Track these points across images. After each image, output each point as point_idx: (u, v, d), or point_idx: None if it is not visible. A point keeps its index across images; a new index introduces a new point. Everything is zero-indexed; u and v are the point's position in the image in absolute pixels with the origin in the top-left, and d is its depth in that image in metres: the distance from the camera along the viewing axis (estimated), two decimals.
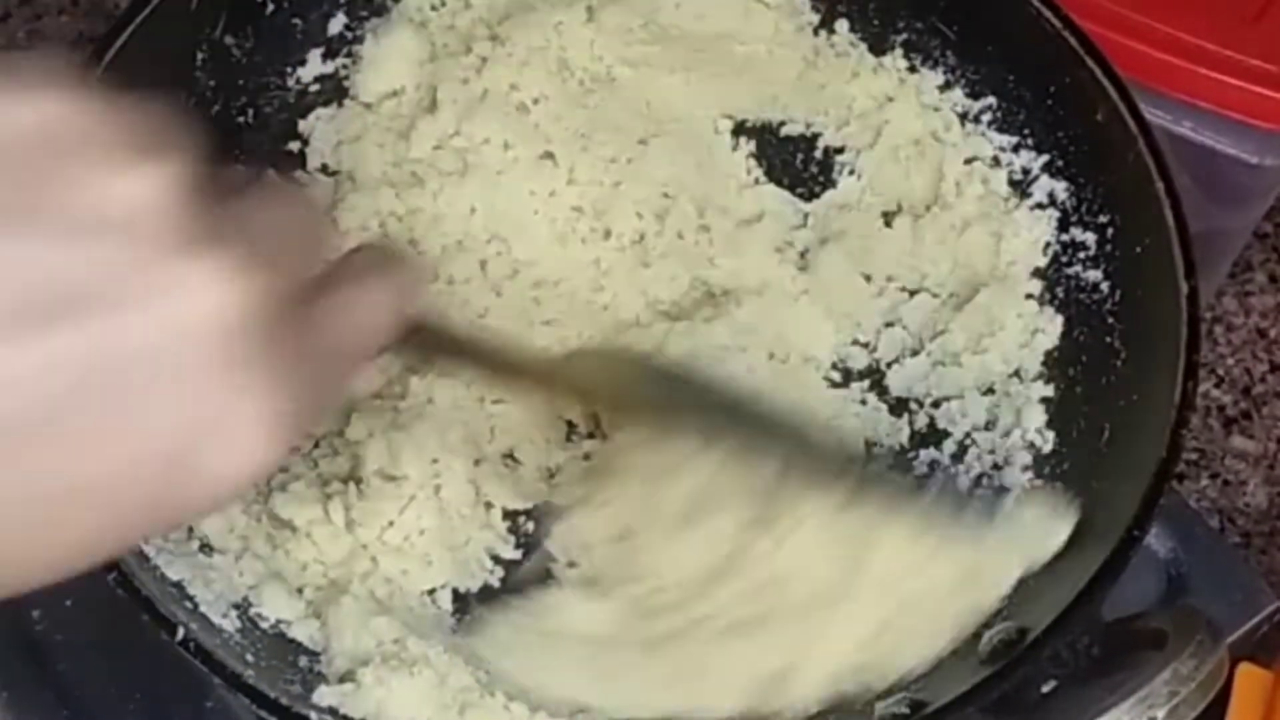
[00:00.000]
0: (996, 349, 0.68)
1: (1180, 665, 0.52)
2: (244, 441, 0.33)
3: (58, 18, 0.96)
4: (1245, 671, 0.65)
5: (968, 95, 0.73)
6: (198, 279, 0.32)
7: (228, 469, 0.33)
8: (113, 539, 0.34)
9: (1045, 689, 0.56)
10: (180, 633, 0.54)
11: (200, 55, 0.69)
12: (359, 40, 0.74)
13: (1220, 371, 0.87)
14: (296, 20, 0.73)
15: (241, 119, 0.72)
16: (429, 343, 0.52)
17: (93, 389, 0.31)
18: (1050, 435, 0.66)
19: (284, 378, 0.34)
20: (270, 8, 0.72)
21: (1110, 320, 0.67)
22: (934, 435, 0.67)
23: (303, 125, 0.73)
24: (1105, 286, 0.68)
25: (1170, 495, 0.71)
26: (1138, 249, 0.66)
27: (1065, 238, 0.70)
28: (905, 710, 0.56)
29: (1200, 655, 0.53)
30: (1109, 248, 0.68)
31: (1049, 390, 0.67)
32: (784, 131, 0.74)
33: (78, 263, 0.31)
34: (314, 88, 0.74)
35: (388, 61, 0.73)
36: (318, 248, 0.38)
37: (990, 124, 0.73)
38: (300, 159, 0.72)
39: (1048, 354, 0.68)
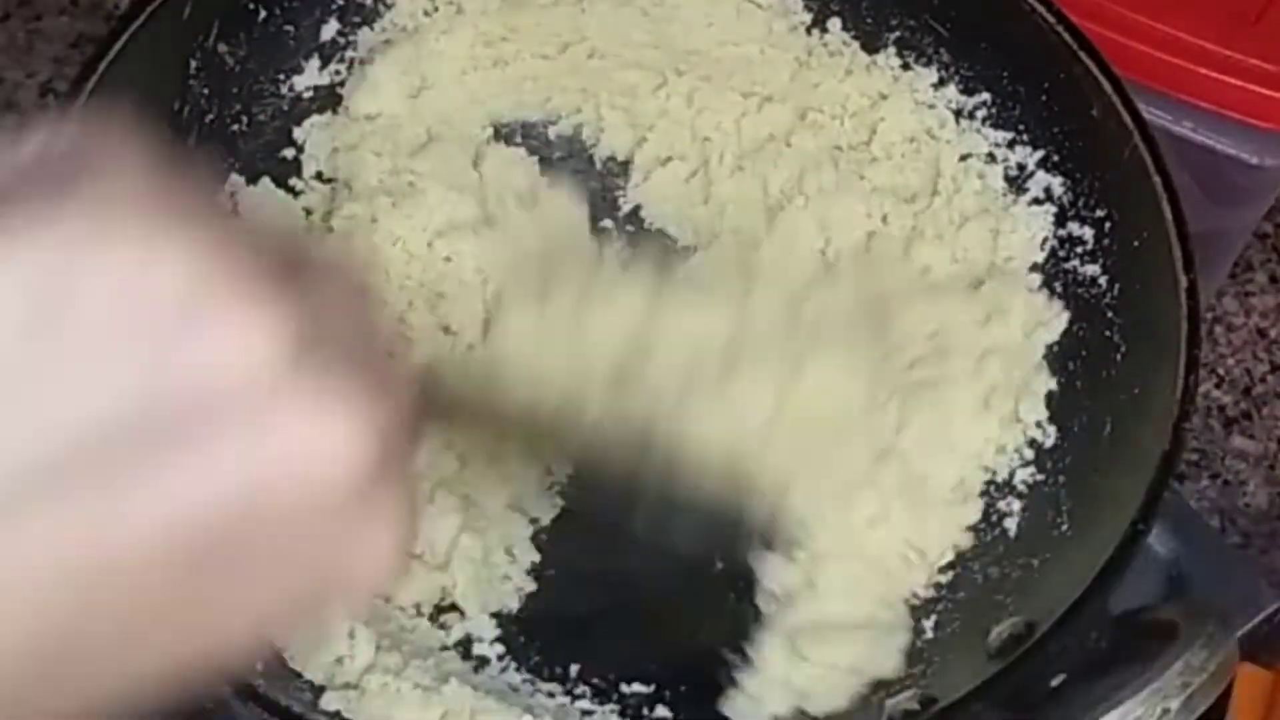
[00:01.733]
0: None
1: (1192, 656, 0.52)
2: (381, 556, 0.33)
3: (58, 18, 0.96)
4: (1246, 672, 0.65)
5: (962, 92, 0.73)
6: (321, 428, 0.30)
7: (372, 576, 0.34)
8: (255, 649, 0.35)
9: (1054, 683, 0.56)
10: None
11: (194, 63, 0.69)
12: (352, 46, 0.75)
13: (1221, 372, 0.86)
14: (289, 27, 0.73)
15: (236, 127, 0.71)
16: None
17: (239, 540, 0.30)
18: (1052, 430, 0.66)
19: (404, 497, 0.34)
20: (263, 15, 0.72)
21: (1110, 314, 0.67)
22: None
23: (298, 133, 0.73)
24: (1104, 281, 0.68)
25: (1171, 496, 0.72)
26: (1136, 243, 0.66)
27: (1063, 233, 0.70)
28: (916, 706, 0.56)
29: (1212, 646, 0.52)
30: (1107, 242, 0.68)
31: (1050, 384, 0.67)
32: None
33: (198, 420, 0.29)
34: (308, 95, 0.74)
35: (380, 91, 0.73)
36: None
37: (985, 120, 0.73)
38: (295, 166, 0.72)
39: (1048, 348, 0.68)
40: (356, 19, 0.75)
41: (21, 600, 0.28)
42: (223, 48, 0.70)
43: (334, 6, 0.74)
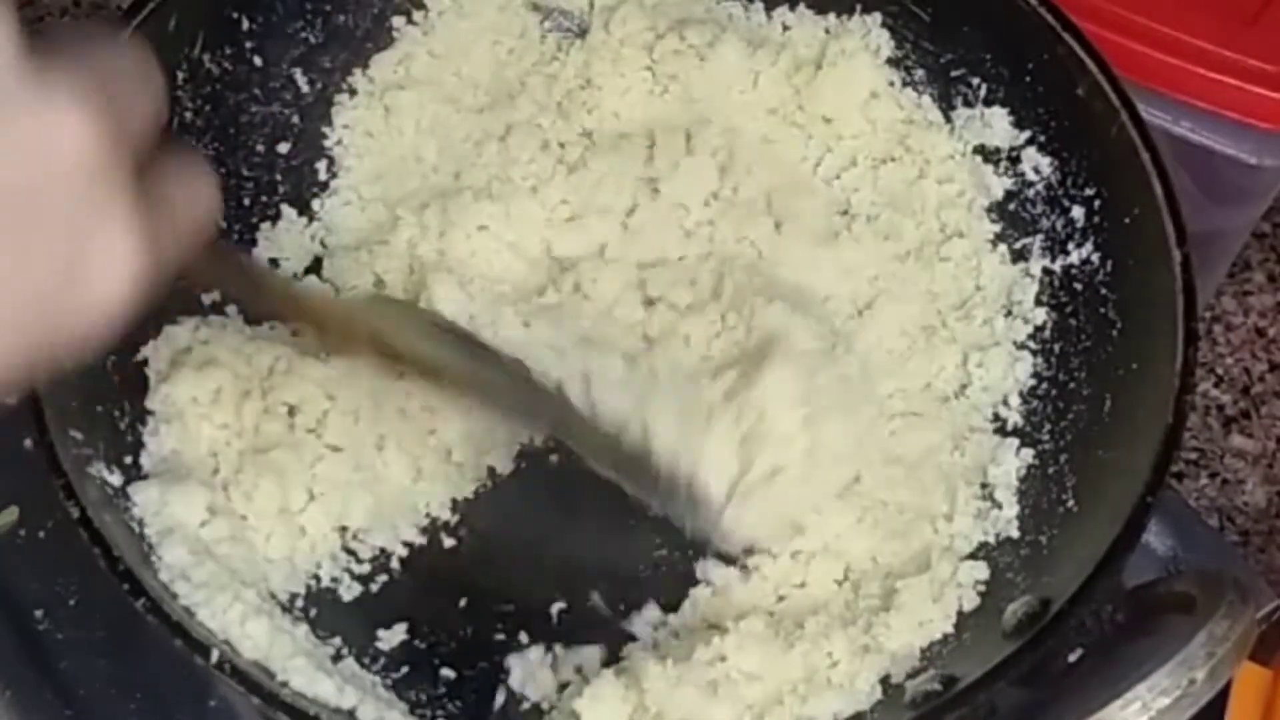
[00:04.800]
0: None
1: (1215, 626, 0.52)
2: (116, 265, 0.38)
3: (60, 19, 0.96)
4: (1245, 670, 0.65)
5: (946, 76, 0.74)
6: (58, 121, 0.35)
7: (107, 289, 0.38)
8: (16, 364, 0.37)
9: (1072, 658, 0.56)
10: (214, 655, 0.54)
11: (180, 75, 0.69)
12: (336, 58, 0.76)
13: (1219, 371, 0.87)
14: (274, 39, 0.74)
15: (221, 140, 0.72)
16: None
17: None
18: (1052, 408, 0.67)
19: (139, 218, 0.38)
20: (247, 25, 0.72)
21: (1104, 291, 0.67)
22: None
23: (283, 147, 0.74)
24: (1096, 258, 0.68)
25: (1169, 494, 0.72)
26: (1127, 220, 0.66)
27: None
28: (937, 687, 0.57)
29: (1233, 615, 0.53)
30: (1098, 220, 0.69)
31: (1046, 362, 0.68)
32: None
33: None
34: (294, 108, 0.75)
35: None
36: (157, 96, 0.41)
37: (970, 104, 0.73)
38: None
39: (1039, 327, 0.69)
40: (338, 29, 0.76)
41: None
42: (208, 58, 0.70)
43: (317, 17, 0.75)
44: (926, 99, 0.74)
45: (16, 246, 0.35)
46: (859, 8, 0.75)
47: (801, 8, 0.76)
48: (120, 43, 0.40)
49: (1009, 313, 0.70)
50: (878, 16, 0.74)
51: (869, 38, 0.74)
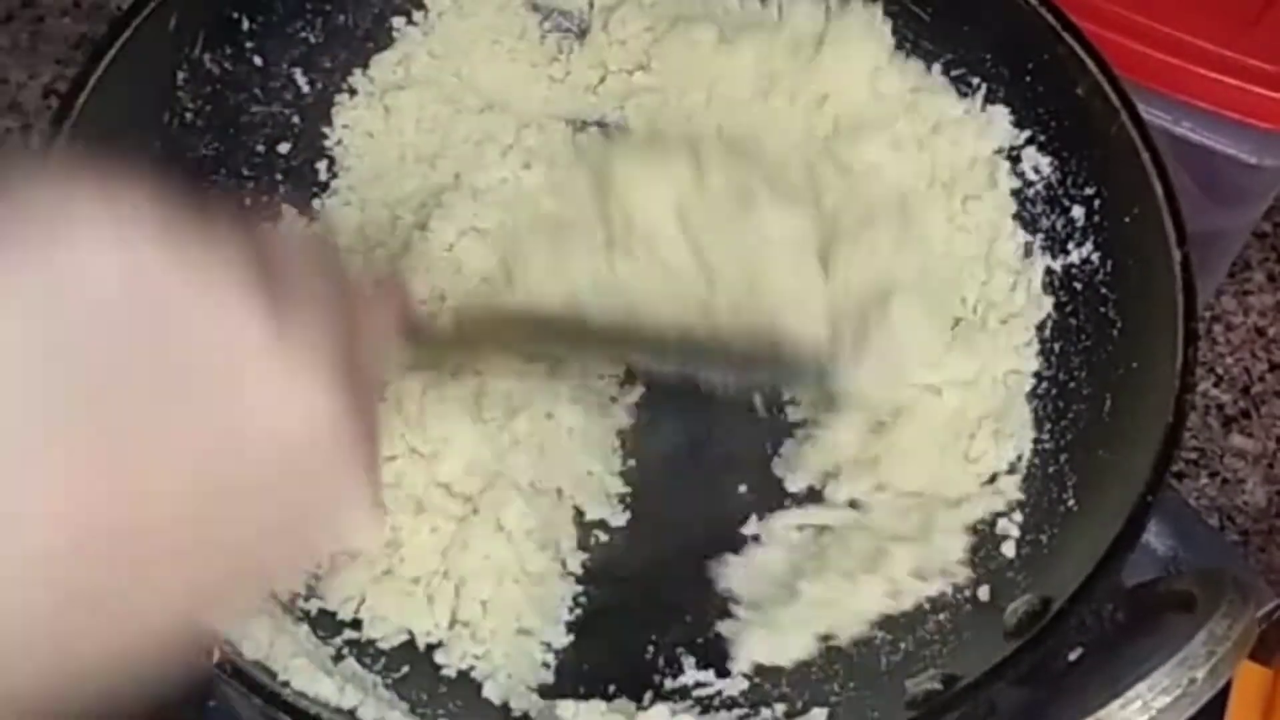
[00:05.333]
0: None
1: (1215, 625, 0.52)
2: (351, 524, 0.39)
3: (60, 19, 0.96)
4: (1244, 669, 0.65)
5: (946, 76, 0.74)
6: (298, 383, 0.36)
7: (333, 543, 0.40)
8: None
9: (1072, 657, 0.56)
10: (215, 655, 0.54)
11: (180, 75, 0.69)
12: (336, 58, 0.75)
13: (1219, 370, 0.87)
14: (275, 39, 0.74)
15: (221, 140, 0.72)
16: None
17: (208, 490, 0.35)
18: (1052, 407, 0.67)
19: (370, 486, 0.39)
20: (247, 26, 0.72)
21: (1104, 291, 0.67)
22: None
23: (283, 147, 0.74)
24: (1096, 258, 0.68)
25: (1169, 494, 0.72)
26: (1126, 219, 0.66)
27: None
28: (938, 686, 0.57)
29: (1233, 614, 0.53)
30: (1098, 219, 0.69)
31: (1046, 361, 0.68)
32: None
33: (174, 386, 0.35)
34: (294, 108, 0.75)
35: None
36: (399, 334, 0.44)
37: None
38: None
39: (1040, 325, 0.69)
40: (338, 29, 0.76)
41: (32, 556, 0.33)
42: (208, 58, 0.70)
43: (317, 17, 0.75)
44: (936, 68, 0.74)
45: (247, 519, 0.37)
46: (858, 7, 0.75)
47: None
48: (382, 290, 0.44)
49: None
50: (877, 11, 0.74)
51: (871, 22, 0.74)
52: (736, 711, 0.61)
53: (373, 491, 0.39)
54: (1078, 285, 0.69)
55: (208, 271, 0.35)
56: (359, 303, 0.44)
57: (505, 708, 0.62)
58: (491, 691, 0.62)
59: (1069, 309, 0.69)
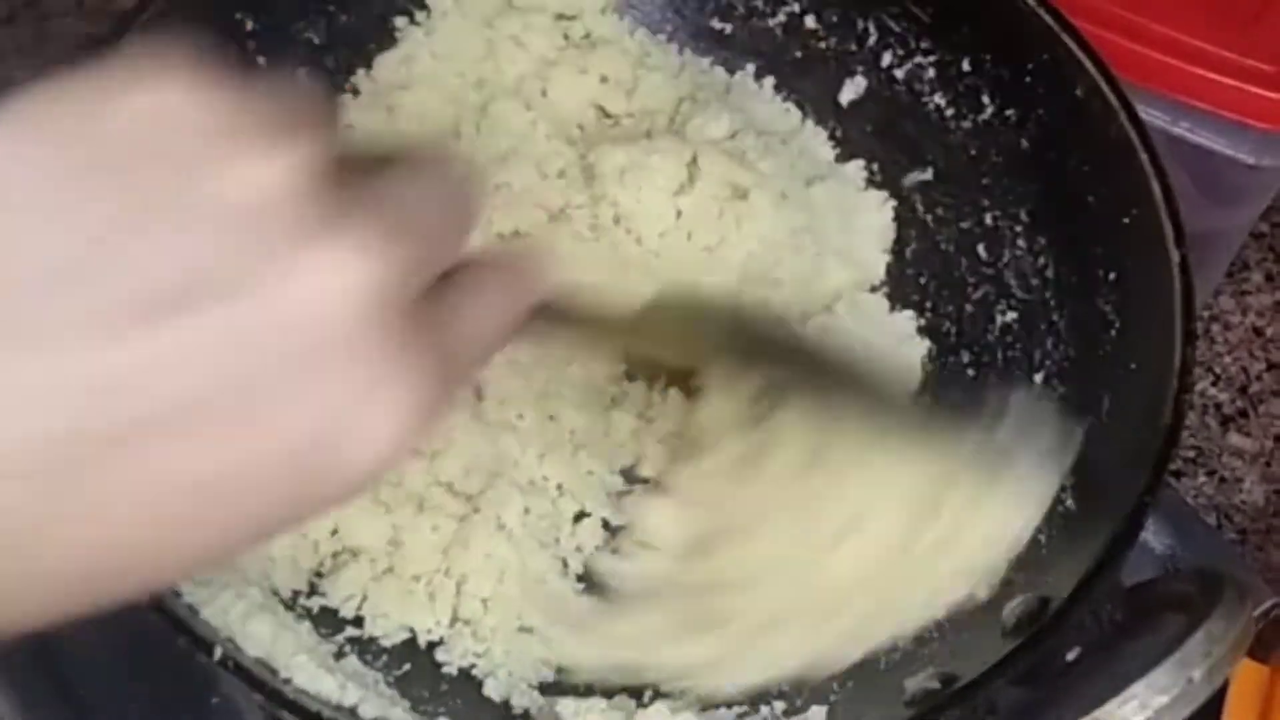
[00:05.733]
0: None
1: (1212, 625, 0.52)
2: (379, 430, 0.32)
3: (63, 20, 0.96)
4: (1242, 668, 0.65)
5: (943, 77, 0.74)
6: (329, 260, 0.31)
7: (363, 458, 0.32)
8: (247, 535, 0.33)
9: (1070, 656, 0.57)
10: (217, 652, 0.54)
11: None
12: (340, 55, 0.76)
13: (1217, 370, 0.87)
14: (278, 40, 0.73)
15: None
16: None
17: (224, 380, 0.30)
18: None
19: (414, 368, 0.33)
20: (250, 26, 0.72)
21: (1102, 290, 0.67)
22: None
23: None
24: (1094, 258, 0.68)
25: (1168, 492, 0.72)
26: (1125, 220, 0.66)
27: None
28: (936, 685, 0.57)
29: (1230, 614, 0.53)
30: (1095, 220, 0.68)
31: (1044, 361, 0.69)
32: None
33: (204, 251, 0.30)
34: None
35: None
36: (463, 227, 0.36)
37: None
38: None
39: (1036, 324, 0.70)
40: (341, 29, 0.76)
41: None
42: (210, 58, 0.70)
43: (320, 18, 0.75)
44: None
45: (260, 400, 0.31)
46: (856, 10, 0.75)
47: None
48: (443, 167, 0.36)
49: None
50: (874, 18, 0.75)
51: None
52: (735, 709, 0.61)
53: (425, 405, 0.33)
54: (1076, 284, 0.69)
55: (252, 119, 0.31)
56: (486, 262, 0.38)
57: (506, 705, 0.62)
58: (492, 689, 0.63)
59: (1067, 309, 0.69)
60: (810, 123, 0.78)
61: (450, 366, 0.35)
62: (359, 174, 0.33)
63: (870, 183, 0.76)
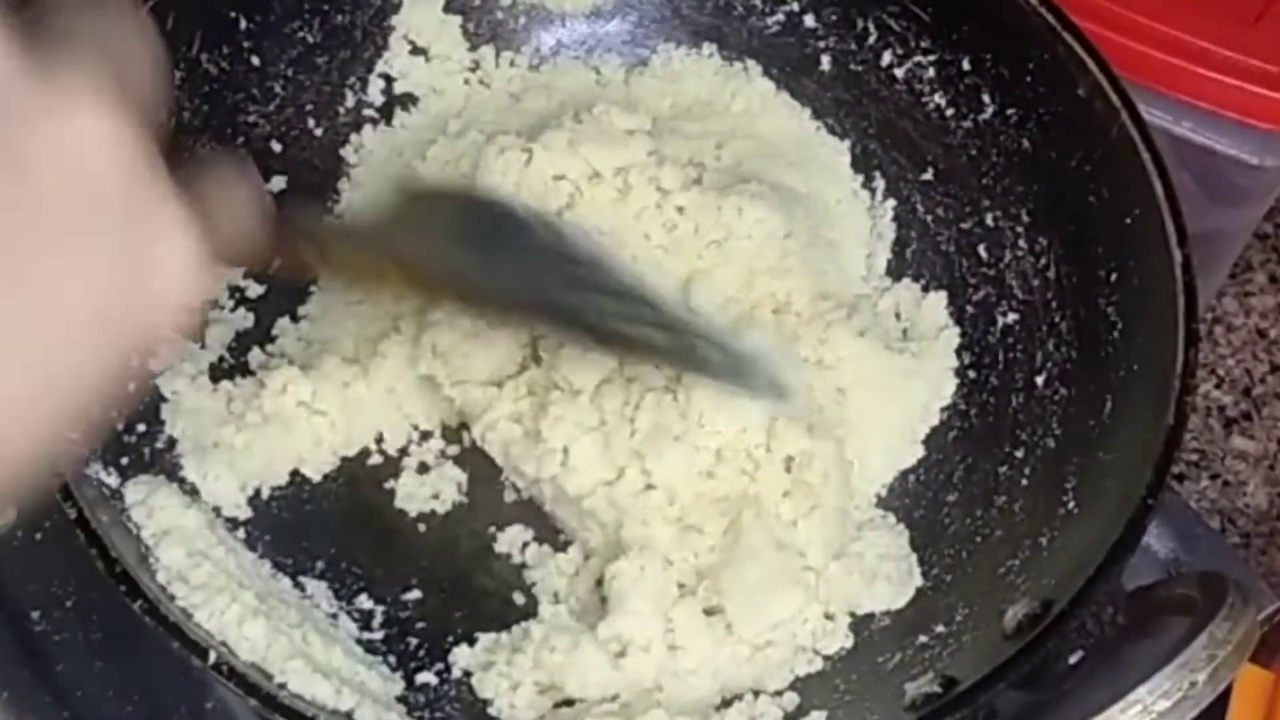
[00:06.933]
0: None
1: (1215, 629, 0.53)
2: (176, 255, 0.37)
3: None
4: (1246, 672, 0.65)
5: (945, 75, 0.74)
6: (81, 124, 0.34)
7: (171, 281, 0.37)
8: (98, 369, 0.36)
9: (1072, 660, 0.56)
10: (212, 657, 0.54)
11: (177, 74, 0.69)
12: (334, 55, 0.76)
13: (1220, 372, 0.87)
14: (272, 39, 0.73)
15: (219, 139, 0.71)
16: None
17: (18, 236, 0.33)
18: (1050, 408, 0.67)
19: (184, 205, 0.37)
20: (244, 25, 0.72)
21: (1104, 292, 0.67)
22: None
23: (277, 146, 0.74)
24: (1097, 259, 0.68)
25: (1170, 496, 0.72)
26: (1127, 220, 0.66)
27: None
28: (937, 689, 0.57)
29: (1234, 618, 0.53)
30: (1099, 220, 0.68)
31: (1045, 362, 0.69)
32: None
33: None
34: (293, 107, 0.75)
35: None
36: (163, 66, 0.40)
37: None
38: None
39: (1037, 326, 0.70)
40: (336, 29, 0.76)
41: None
42: (205, 58, 0.70)
43: (315, 17, 0.75)
44: None
45: (73, 256, 0.34)
46: (856, 9, 0.75)
47: None
48: (122, 12, 0.39)
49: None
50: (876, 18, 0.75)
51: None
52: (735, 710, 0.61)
53: (190, 215, 0.37)
54: (1078, 285, 0.69)
55: None
56: (223, 173, 0.43)
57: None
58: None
59: (1069, 310, 0.69)
60: (810, 122, 0.77)
61: (217, 230, 0.39)
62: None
63: (870, 183, 0.76)
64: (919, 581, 0.65)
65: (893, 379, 0.69)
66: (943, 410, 0.70)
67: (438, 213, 0.57)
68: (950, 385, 0.71)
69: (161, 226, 0.36)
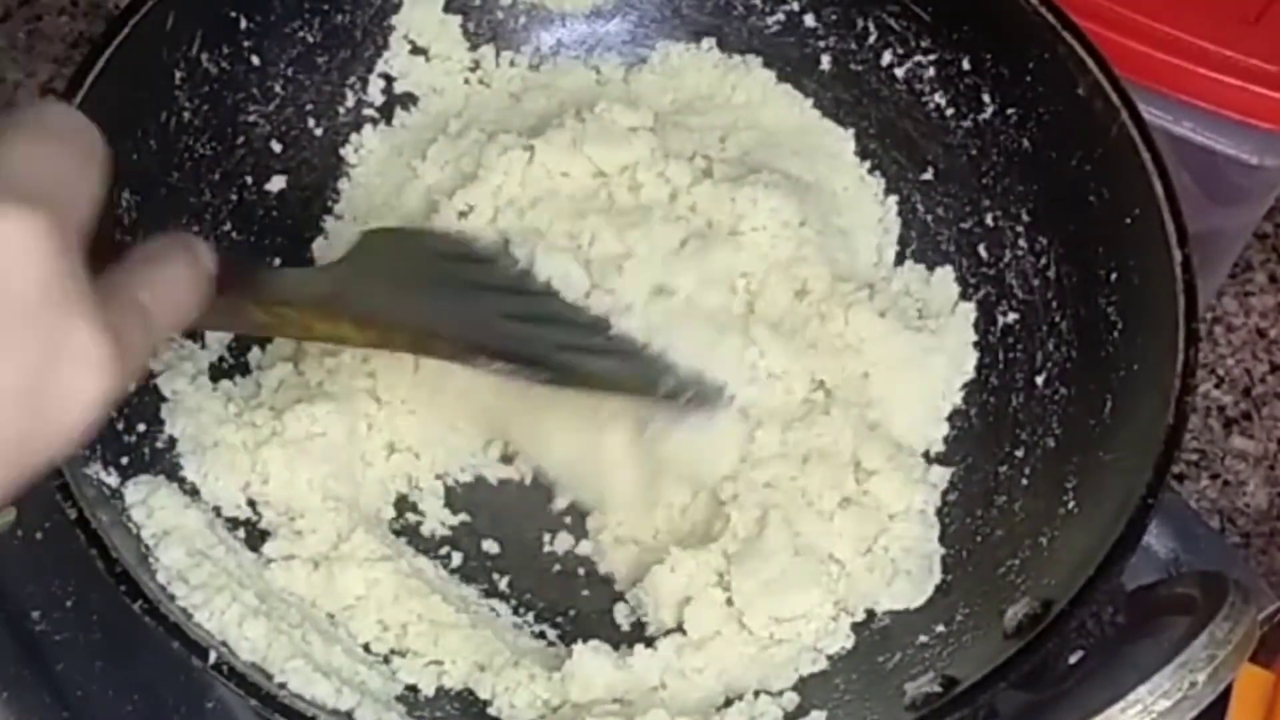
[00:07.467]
0: None
1: (1216, 629, 0.53)
2: (86, 367, 0.37)
3: (57, 18, 0.96)
4: (1246, 672, 0.65)
5: (944, 75, 0.74)
6: (3, 234, 0.34)
7: (80, 395, 0.37)
8: None
9: (1072, 660, 0.56)
10: (212, 657, 0.54)
11: (178, 74, 0.69)
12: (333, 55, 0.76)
13: (1220, 372, 0.87)
14: (272, 39, 0.73)
15: (219, 140, 0.71)
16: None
17: None
18: (1050, 408, 0.67)
19: (101, 327, 0.37)
20: (245, 25, 0.72)
21: (1104, 291, 0.67)
22: None
23: (277, 146, 0.74)
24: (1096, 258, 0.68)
25: (1170, 496, 0.72)
26: (1127, 220, 0.65)
27: None
28: (938, 689, 0.57)
29: (1234, 618, 0.53)
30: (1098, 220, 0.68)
31: (1045, 361, 0.69)
32: None
33: None
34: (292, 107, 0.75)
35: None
36: (93, 167, 0.40)
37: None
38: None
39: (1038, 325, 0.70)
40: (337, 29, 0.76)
41: None
42: (205, 57, 0.70)
43: (315, 17, 0.75)
44: None
45: None
46: (856, 8, 0.75)
47: None
48: (58, 116, 0.40)
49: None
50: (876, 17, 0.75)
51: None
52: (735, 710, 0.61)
53: (103, 341, 0.37)
54: (1078, 285, 0.69)
55: None
56: (162, 246, 0.44)
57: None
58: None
59: (1069, 309, 0.68)
60: (811, 111, 0.77)
61: (138, 329, 0.40)
62: None
63: (869, 182, 0.76)
64: (938, 579, 0.65)
65: (915, 356, 0.70)
66: (963, 387, 0.71)
67: (393, 253, 0.58)
68: (970, 360, 0.71)
69: (73, 355, 0.37)
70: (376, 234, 0.63)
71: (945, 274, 0.73)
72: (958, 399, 0.70)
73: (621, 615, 0.66)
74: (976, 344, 0.72)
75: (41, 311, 0.35)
